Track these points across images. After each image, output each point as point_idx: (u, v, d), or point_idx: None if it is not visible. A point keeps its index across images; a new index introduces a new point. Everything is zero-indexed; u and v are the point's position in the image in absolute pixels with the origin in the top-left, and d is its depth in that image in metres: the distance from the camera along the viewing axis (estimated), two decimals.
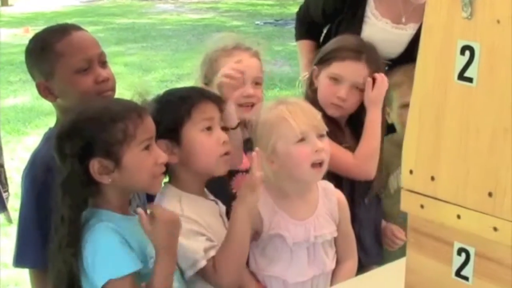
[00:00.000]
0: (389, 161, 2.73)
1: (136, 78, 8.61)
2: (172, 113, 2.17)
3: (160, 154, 2.00)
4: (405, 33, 3.01)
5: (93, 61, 2.26)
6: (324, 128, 2.30)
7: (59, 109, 2.32)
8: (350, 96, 2.63)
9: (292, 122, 2.22)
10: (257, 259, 2.31)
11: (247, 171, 2.40)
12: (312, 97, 2.67)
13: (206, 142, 2.17)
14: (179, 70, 8.99)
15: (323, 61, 2.71)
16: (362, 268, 2.39)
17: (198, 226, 2.14)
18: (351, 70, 2.63)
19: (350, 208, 2.47)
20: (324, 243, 2.34)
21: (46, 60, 2.25)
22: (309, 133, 2.24)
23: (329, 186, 2.41)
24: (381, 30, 3.01)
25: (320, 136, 2.28)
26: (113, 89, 2.32)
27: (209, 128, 2.19)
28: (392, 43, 3.02)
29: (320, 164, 2.26)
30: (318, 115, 2.30)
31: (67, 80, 2.24)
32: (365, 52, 2.66)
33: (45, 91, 2.28)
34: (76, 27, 2.36)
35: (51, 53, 2.23)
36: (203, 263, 2.10)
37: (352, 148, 2.63)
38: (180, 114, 2.17)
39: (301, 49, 3.34)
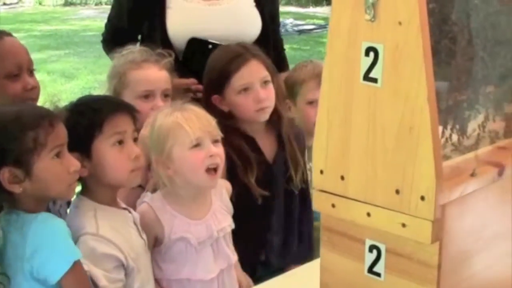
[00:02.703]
0: None
1: (59, 86, 8.52)
2: (83, 125, 2.15)
3: (72, 162, 1.99)
4: (222, 8, 2.97)
5: (23, 68, 2.26)
6: (218, 134, 2.31)
7: None
8: (267, 92, 2.65)
9: (187, 128, 2.24)
10: (161, 265, 2.32)
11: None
12: (229, 122, 2.64)
13: (116, 157, 2.16)
14: (103, 76, 8.81)
15: (219, 85, 2.69)
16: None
17: (113, 247, 2.14)
18: (252, 71, 2.64)
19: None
20: (225, 236, 2.38)
21: None
22: (203, 138, 2.26)
23: None
24: (193, 10, 2.94)
25: (215, 141, 2.30)
26: (37, 98, 2.31)
27: (120, 142, 2.18)
28: (224, 20, 2.98)
29: (215, 169, 2.28)
30: (213, 121, 2.31)
31: None
32: (247, 50, 2.69)
33: None
34: (7, 33, 2.35)
35: None
36: None
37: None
38: (91, 127, 2.15)
39: None
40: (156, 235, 2.30)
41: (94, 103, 2.27)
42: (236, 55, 2.65)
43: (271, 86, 2.68)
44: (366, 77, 1.45)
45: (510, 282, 1.76)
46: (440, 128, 1.63)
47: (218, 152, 2.29)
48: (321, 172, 1.56)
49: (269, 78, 2.67)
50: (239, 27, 2.83)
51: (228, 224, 2.40)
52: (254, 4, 2.97)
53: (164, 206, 2.31)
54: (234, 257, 2.41)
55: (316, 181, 1.58)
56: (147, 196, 2.35)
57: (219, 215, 2.39)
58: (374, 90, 1.45)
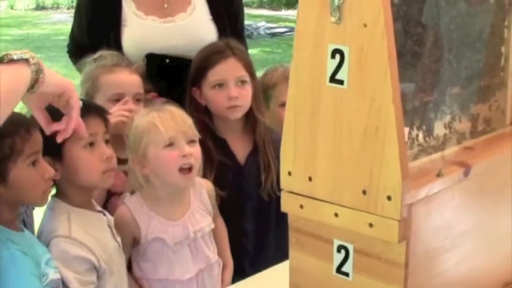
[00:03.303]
0: None
1: None
2: None
3: (47, 168, 1.99)
4: (178, 24, 2.93)
5: None
6: (195, 134, 2.34)
7: None
8: (241, 91, 2.67)
9: (161, 128, 2.27)
10: (141, 265, 2.35)
11: (122, 194, 2.44)
12: (203, 117, 2.68)
13: (88, 159, 2.16)
14: (75, 80, 8.82)
15: (197, 79, 2.72)
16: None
17: (85, 249, 2.14)
18: (228, 68, 2.67)
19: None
20: (204, 236, 2.40)
21: None
22: (177, 138, 2.29)
23: (197, 179, 2.45)
24: (149, 27, 2.90)
25: (191, 142, 2.32)
26: None
27: (92, 144, 2.18)
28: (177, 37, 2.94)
29: (189, 169, 2.30)
30: (189, 121, 2.34)
31: None
32: (229, 48, 2.71)
33: None
34: None
35: None
36: None
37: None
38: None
39: None
40: (133, 236, 2.32)
41: None
42: (217, 51, 2.69)
43: (247, 86, 2.69)
44: (332, 79, 1.46)
45: (477, 281, 1.78)
46: (407, 129, 1.65)
47: (192, 152, 2.30)
48: (289, 173, 1.57)
49: (246, 78, 2.69)
50: (195, 43, 2.83)
51: (207, 224, 2.42)
52: (210, 17, 2.95)
53: (142, 207, 2.33)
54: (214, 256, 2.42)
55: (284, 182, 1.59)
56: (126, 197, 2.37)
57: (198, 215, 2.40)
58: (340, 92, 1.46)
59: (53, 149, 2.13)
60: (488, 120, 1.92)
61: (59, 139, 1.95)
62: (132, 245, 2.33)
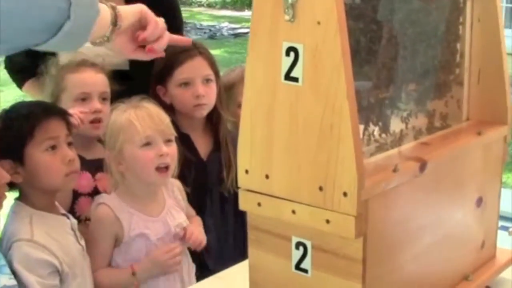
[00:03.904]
0: None
1: None
2: (15, 132, 2.15)
3: (2, 175, 1.98)
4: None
5: None
6: (172, 133, 2.36)
7: None
8: (207, 90, 2.71)
9: (138, 126, 2.28)
10: (120, 264, 2.36)
11: (90, 194, 2.43)
12: (168, 114, 2.68)
13: (49, 162, 2.17)
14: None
15: (163, 77, 2.74)
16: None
17: (47, 253, 2.14)
18: (195, 67, 2.70)
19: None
20: (180, 232, 2.42)
21: None
22: (154, 137, 2.31)
23: None
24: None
25: (167, 141, 2.34)
26: None
27: (54, 147, 2.18)
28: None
29: (166, 168, 2.31)
30: (166, 119, 2.35)
31: None
32: (195, 47, 2.74)
33: None
34: None
35: None
36: None
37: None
38: (23, 134, 2.16)
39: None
40: (116, 235, 2.32)
41: (25, 109, 2.27)
42: (183, 49, 2.69)
43: (213, 85, 2.74)
44: (287, 77, 1.47)
45: (436, 274, 1.80)
46: (363, 126, 1.67)
47: (169, 152, 2.32)
48: (246, 171, 1.58)
49: (212, 77, 2.73)
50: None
51: (184, 219, 2.45)
52: None
53: (121, 204, 2.34)
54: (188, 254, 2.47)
55: (242, 180, 1.60)
56: (102, 198, 2.37)
57: (174, 211, 2.44)
58: (295, 89, 1.47)
59: (14, 152, 2.12)
60: (444, 116, 1.94)
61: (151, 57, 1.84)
62: (115, 244, 2.34)
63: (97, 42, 1.64)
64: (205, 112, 2.73)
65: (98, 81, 2.58)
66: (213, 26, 16.24)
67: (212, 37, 14.84)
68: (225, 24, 15.86)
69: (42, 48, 1.40)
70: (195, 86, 2.69)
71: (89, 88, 2.55)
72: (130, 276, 2.31)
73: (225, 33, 14.47)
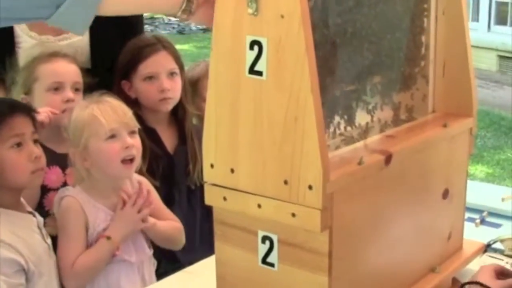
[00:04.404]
0: None
1: None
2: None
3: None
4: (74, 41, 2.86)
5: None
6: (135, 125, 2.37)
7: None
8: (172, 84, 2.72)
9: (102, 120, 2.28)
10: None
11: (59, 189, 2.42)
12: (134, 108, 2.68)
13: (15, 159, 2.15)
14: None
15: (127, 72, 2.75)
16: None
17: (13, 251, 2.13)
18: (159, 61, 2.72)
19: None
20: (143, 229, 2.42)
21: None
22: (119, 130, 2.31)
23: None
24: (43, 47, 2.78)
25: (131, 132, 2.35)
26: None
27: (19, 144, 2.16)
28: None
29: (131, 160, 2.32)
30: (129, 112, 2.36)
31: None
32: (159, 41, 2.76)
33: None
34: None
35: None
36: None
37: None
38: None
39: None
40: (85, 225, 2.31)
41: None
42: (148, 44, 2.72)
43: (177, 79, 2.75)
44: (251, 71, 1.46)
45: (403, 266, 1.81)
46: (328, 119, 1.67)
47: (134, 144, 2.33)
48: (212, 166, 1.57)
49: (177, 70, 2.75)
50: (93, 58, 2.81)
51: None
52: None
53: (87, 198, 2.33)
54: (150, 251, 2.45)
55: (207, 175, 1.59)
56: (67, 190, 2.36)
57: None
58: (260, 83, 1.46)
59: None
60: (410, 109, 1.95)
61: None
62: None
63: (179, 15, 1.60)
64: (170, 106, 2.74)
65: (71, 71, 2.57)
66: None
67: (180, 32, 14.81)
68: None
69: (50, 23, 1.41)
70: (160, 80, 2.70)
71: (62, 78, 2.54)
72: (107, 243, 2.29)
73: (194, 28, 14.44)
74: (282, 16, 1.41)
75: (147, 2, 1.60)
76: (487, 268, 1.61)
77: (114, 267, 2.34)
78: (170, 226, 2.50)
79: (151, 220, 2.41)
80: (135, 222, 2.33)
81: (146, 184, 2.48)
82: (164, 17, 17.15)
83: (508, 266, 2.18)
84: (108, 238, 2.28)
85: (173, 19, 16.81)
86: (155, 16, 17.22)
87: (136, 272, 2.39)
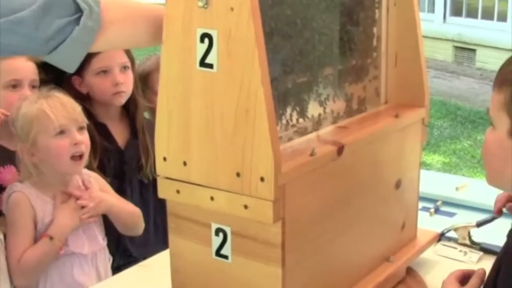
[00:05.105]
0: None
1: None
2: None
3: None
4: None
5: None
6: (84, 121, 2.36)
7: None
8: (124, 77, 2.71)
9: (52, 115, 2.27)
10: None
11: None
12: (85, 103, 2.66)
13: None
14: None
15: (80, 65, 2.70)
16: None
17: None
18: (112, 55, 2.69)
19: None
20: (95, 221, 2.41)
21: None
22: (68, 126, 2.30)
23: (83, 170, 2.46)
24: None
25: (80, 128, 2.34)
26: None
27: None
28: None
29: (80, 156, 2.31)
30: (78, 108, 2.35)
31: None
32: None
33: None
34: None
35: None
36: None
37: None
38: None
39: None
40: (33, 219, 2.30)
41: None
42: None
43: (129, 72, 2.74)
44: (202, 63, 1.47)
45: (357, 256, 1.82)
46: (280, 111, 1.67)
47: (83, 140, 2.32)
48: (164, 159, 1.57)
49: (128, 64, 2.74)
50: None
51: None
52: None
53: (36, 193, 2.31)
54: (104, 242, 2.44)
55: (160, 168, 1.59)
56: (15, 186, 2.33)
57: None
58: (211, 76, 1.46)
59: None
60: (362, 100, 1.96)
61: None
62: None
63: None
64: (123, 99, 2.73)
65: (29, 68, 2.55)
66: None
67: None
68: None
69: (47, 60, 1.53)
70: (113, 74, 2.68)
71: (21, 75, 2.51)
72: (50, 243, 2.28)
73: None
74: (232, 9, 1.41)
75: (135, 40, 1.67)
76: (449, 280, 1.62)
77: (66, 260, 2.33)
78: (129, 208, 2.51)
79: (110, 201, 2.42)
80: (77, 218, 2.33)
81: (98, 179, 2.48)
82: None
83: (461, 254, 2.22)
84: (51, 238, 2.27)
85: None
86: None
87: (90, 264, 2.38)
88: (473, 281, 1.57)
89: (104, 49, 1.60)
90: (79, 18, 1.51)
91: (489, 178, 1.52)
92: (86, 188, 2.38)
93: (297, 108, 1.72)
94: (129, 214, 2.51)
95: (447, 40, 11.48)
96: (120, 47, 2.21)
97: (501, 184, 1.52)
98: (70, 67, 1.60)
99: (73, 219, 2.32)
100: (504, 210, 2.09)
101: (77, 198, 2.34)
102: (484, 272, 1.58)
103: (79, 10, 1.52)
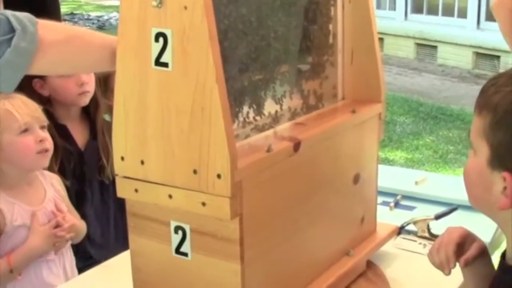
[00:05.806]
0: None
1: None
2: None
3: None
4: None
5: None
6: (45, 120, 2.39)
7: None
8: (88, 78, 2.72)
9: (16, 114, 2.29)
10: (2, 255, 2.32)
11: None
12: (46, 105, 2.66)
13: None
14: None
15: None
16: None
17: None
18: None
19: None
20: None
21: None
22: (32, 124, 2.33)
23: (45, 171, 2.49)
24: None
25: (42, 127, 2.37)
26: None
27: None
28: None
29: (45, 150, 2.35)
30: (39, 108, 2.38)
31: None
32: None
33: None
34: None
35: None
36: None
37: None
38: None
39: None
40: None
41: None
42: None
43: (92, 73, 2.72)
44: (158, 62, 1.47)
45: (316, 250, 1.84)
46: (237, 109, 1.69)
47: (47, 137, 2.36)
48: (122, 158, 1.58)
49: None
50: None
51: (66, 210, 2.45)
52: None
53: (1, 194, 2.31)
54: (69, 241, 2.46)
55: (118, 168, 1.59)
56: None
57: (57, 200, 2.44)
58: (166, 75, 1.47)
59: None
60: (319, 96, 1.98)
61: None
62: None
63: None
64: (88, 99, 2.74)
65: None
66: (101, 16, 16.13)
67: (100, 27, 14.71)
68: (114, 14, 15.73)
69: None
70: (78, 75, 2.68)
71: None
72: (8, 273, 2.28)
73: (114, 23, 14.34)
74: (186, 7, 1.42)
75: (77, 64, 1.66)
76: (450, 240, 1.61)
77: (35, 262, 2.34)
78: (81, 224, 2.53)
79: (76, 223, 2.45)
80: (51, 244, 2.35)
81: (59, 182, 2.48)
82: (84, 12, 17.00)
83: (421, 247, 2.25)
84: (11, 271, 2.28)
85: (93, 14, 16.73)
86: (75, 12, 17.04)
87: (58, 264, 2.40)
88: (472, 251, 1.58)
89: (50, 73, 1.53)
90: (11, 39, 1.48)
91: (472, 203, 1.47)
92: (59, 210, 2.39)
93: (254, 106, 1.73)
94: (82, 229, 2.53)
95: (409, 37, 11.57)
96: (71, 71, 2.15)
97: (485, 211, 1.45)
98: (7, 88, 1.56)
99: (47, 244, 2.34)
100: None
101: (56, 226, 2.35)
102: (484, 246, 1.60)
103: (12, 30, 1.48)
